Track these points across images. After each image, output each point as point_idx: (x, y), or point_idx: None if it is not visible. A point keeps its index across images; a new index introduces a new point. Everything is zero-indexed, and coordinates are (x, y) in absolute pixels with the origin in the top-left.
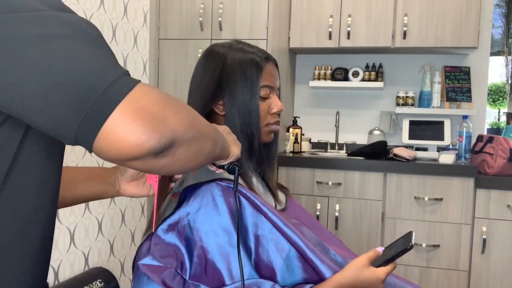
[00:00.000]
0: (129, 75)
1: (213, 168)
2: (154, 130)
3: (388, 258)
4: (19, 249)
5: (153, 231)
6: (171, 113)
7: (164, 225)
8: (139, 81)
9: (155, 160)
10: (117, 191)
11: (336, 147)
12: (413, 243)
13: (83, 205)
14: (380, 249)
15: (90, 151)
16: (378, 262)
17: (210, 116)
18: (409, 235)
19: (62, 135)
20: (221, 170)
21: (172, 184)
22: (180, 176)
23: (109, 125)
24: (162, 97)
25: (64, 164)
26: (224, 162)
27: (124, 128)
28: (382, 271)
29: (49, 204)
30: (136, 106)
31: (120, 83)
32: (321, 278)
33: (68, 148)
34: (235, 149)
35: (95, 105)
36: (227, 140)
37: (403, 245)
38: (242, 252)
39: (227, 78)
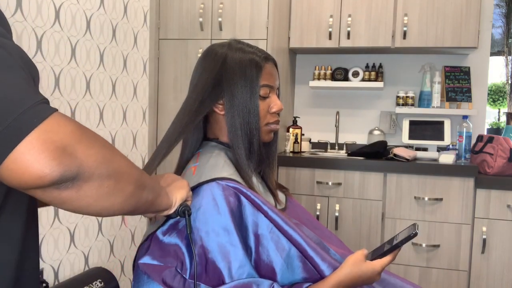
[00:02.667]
0: (46, 103)
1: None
2: (59, 163)
3: (385, 250)
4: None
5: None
6: (83, 147)
7: (165, 227)
8: (55, 110)
9: (57, 192)
10: None
11: (336, 147)
12: (417, 231)
13: None
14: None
15: None
16: (374, 255)
17: (210, 115)
18: (413, 225)
19: None
20: (177, 217)
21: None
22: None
23: (14, 155)
24: (77, 129)
25: None
26: (172, 211)
27: (28, 160)
28: (378, 263)
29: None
30: (44, 138)
31: (32, 113)
32: (321, 277)
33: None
34: (178, 194)
35: (2, 135)
36: (163, 188)
37: (407, 233)
38: (243, 251)
39: (226, 78)
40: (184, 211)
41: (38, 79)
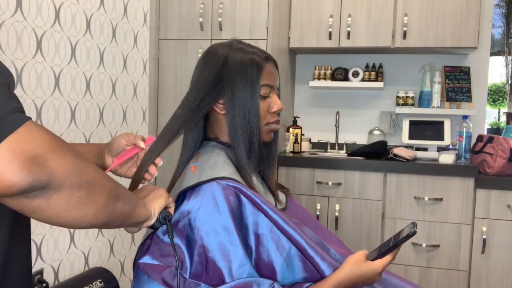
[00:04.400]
0: (20, 111)
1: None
2: (28, 173)
3: (385, 250)
4: None
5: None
6: (55, 157)
7: (165, 226)
8: (28, 119)
9: (27, 200)
10: (101, 163)
11: (336, 147)
12: (416, 229)
13: None
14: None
15: None
16: (373, 255)
17: (210, 115)
18: (412, 223)
19: None
20: (161, 226)
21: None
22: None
23: None
24: (49, 140)
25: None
26: (153, 221)
27: None
28: (378, 263)
29: None
30: (15, 148)
31: (3, 123)
32: (321, 277)
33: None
34: (157, 203)
35: None
36: (141, 199)
37: (406, 232)
38: (243, 251)
39: (227, 77)
40: (165, 217)
41: (13, 86)
